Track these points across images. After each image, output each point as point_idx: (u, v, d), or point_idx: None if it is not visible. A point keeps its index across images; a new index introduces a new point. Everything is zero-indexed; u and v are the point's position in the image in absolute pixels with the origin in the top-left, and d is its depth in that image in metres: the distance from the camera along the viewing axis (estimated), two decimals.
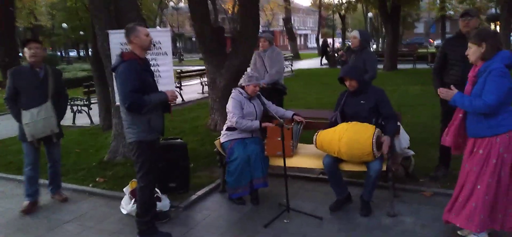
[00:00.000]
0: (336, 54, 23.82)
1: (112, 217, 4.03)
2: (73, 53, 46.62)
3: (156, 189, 3.91)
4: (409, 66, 19.44)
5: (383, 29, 22.95)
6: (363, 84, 3.92)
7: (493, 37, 2.96)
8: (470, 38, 3.04)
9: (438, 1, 29.62)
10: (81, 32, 34.02)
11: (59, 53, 43.24)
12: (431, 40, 33.56)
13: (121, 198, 4.10)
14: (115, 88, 3.81)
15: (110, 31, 5.17)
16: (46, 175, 4.60)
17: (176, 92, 3.86)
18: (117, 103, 4.73)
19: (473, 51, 3.02)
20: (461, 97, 3.02)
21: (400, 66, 18.64)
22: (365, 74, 4.84)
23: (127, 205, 3.95)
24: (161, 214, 3.87)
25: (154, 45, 5.26)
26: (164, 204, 3.95)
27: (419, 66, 19.23)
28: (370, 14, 35.25)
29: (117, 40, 4.99)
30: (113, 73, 3.53)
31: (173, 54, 42.21)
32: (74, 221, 4.01)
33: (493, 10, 28.50)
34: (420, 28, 47.44)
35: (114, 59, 3.77)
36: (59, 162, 4.52)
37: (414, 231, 3.45)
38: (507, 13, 16.91)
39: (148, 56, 5.36)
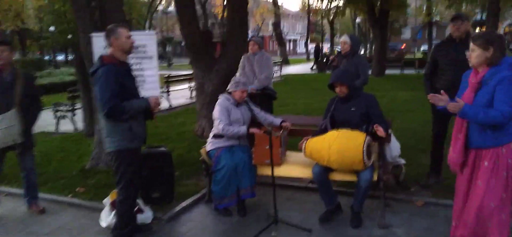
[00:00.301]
0: (327, 60, 23.86)
1: (91, 230, 3.84)
2: (61, 57, 45.93)
3: (138, 200, 3.73)
4: (397, 72, 19.50)
5: (371, 34, 23.04)
6: (354, 90, 3.81)
7: (500, 41, 2.72)
8: (474, 40, 2.74)
9: (424, 7, 29.87)
10: (69, 36, 33.47)
11: (47, 57, 42.53)
12: (402, 46, 33.60)
13: (101, 209, 3.90)
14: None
15: (93, 34, 4.98)
16: (21, 184, 4.38)
17: (159, 99, 3.69)
18: None
19: (477, 55, 2.73)
20: (472, 110, 2.67)
21: (388, 71, 18.68)
22: (357, 79, 4.76)
23: (106, 217, 3.75)
24: (143, 227, 3.69)
25: (136, 48, 5.12)
26: (146, 216, 3.77)
27: (406, 72, 19.32)
28: (358, 20, 35.44)
29: (101, 44, 4.77)
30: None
31: (162, 58, 41.98)
32: (51, 234, 3.80)
33: (478, 17, 28.88)
34: (406, 34, 47.85)
35: None
36: (32, 171, 4.26)
37: None
38: (493, 18, 17.07)
39: (133, 60, 5.20)
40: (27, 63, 26.77)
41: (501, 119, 2.61)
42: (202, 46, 6.81)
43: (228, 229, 3.75)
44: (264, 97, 5.72)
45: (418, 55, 24.20)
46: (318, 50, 26.13)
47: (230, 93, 4.12)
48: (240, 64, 6.02)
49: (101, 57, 3.27)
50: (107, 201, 3.89)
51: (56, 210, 4.34)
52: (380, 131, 3.49)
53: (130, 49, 3.35)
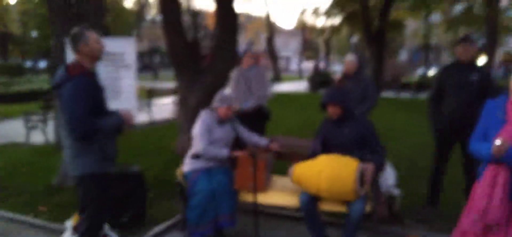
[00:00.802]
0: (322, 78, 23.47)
1: None
2: (44, 63, 44.93)
3: (104, 225, 3.31)
4: (393, 94, 18.95)
5: (367, 54, 22.91)
6: (348, 111, 3.49)
7: None
8: None
9: (422, 30, 30.06)
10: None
11: (28, 63, 41.50)
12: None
13: (63, 232, 3.47)
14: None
15: (68, 39, 4.59)
16: None
17: (134, 111, 3.29)
18: None
19: None
20: None
21: (383, 94, 18.18)
22: (364, 102, 4.46)
23: None
24: None
25: (113, 55, 4.74)
26: None
27: (403, 95, 18.66)
28: (354, 39, 35.47)
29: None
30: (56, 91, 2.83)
31: (149, 68, 41.21)
32: None
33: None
34: (403, 56, 48.15)
35: None
36: None
37: None
38: (491, 44, 17.23)
39: (109, 68, 4.83)
40: (6, 69, 25.91)
41: None
42: (187, 57, 6.43)
43: None
44: (258, 117, 5.32)
45: (415, 79, 23.76)
46: (317, 69, 25.76)
47: (215, 109, 3.76)
48: (234, 79, 5.46)
49: (67, 68, 2.79)
50: (69, 224, 3.47)
51: (14, 229, 3.91)
52: (368, 172, 3.18)
53: (99, 56, 2.92)
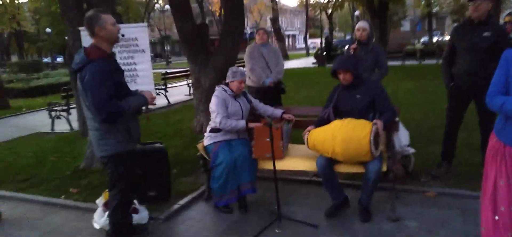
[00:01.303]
0: (328, 52, 23.40)
1: (84, 232, 3.63)
2: (60, 59, 45.60)
3: (133, 200, 3.50)
4: (398, 63, 19.22)
5: (373, 33, 22.74)
6: (359, 77, 3.57)
7: None
8: None
9: None
10: (66, 37, 33.20)
11: (45, 60, 42.22)
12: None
13: (95, 211, 3.68)
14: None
15: (82, 28, 4.75)
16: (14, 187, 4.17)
17: (153, 93, 3.43)
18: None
19: None
20: None
21: (389, 63, 18.34)
22: (376, 70, 4.46)
23: (99, 219, 3.53)
24: (139, 227, 3.47)
25: (127, 41, 4.87)
26: (141, 216, 3.55)
27: (408, 62, 19.06)
28: (357, 13, 35.07)
29: (90, 39, 4.57)
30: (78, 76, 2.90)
31: (161, 57, 41.53)
32: None
33: None
34: (406, 27, 47.51)
35: None
36: None
37: None
38: (494, 7, 16.85)
39: (124, 54, 4.99)
40: (24, 66, 26.52)
41: None
42: (197, 40, 6.57)
43: (229, 227, 3.53)
44: (276, 91, 5.45)
45: (419, 46, 24.08)
46: (328, 42, 25.45)
47: (227, 84, 3.89)
48: (249, 54, 5.47)
49: (86, 51, 2.83)
50: (100, 202, 3.67)
51: (48, 212, 4.13)
52: (379, 126, 3.26)
53: (117, 39, 2.97)
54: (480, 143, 4.07)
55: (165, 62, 36.75)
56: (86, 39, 4.56)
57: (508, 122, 2.26)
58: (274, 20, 32.63)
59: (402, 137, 3.89)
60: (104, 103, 2.73)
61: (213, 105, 3.81)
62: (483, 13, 3.66)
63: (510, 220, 2.26)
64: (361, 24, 4.55)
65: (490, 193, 2.34)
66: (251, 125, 3.74)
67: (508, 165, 2.26)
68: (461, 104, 4.01)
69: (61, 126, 8.48)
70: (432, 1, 29.99)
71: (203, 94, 6.60)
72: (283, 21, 55.86)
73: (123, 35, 4.03)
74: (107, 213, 3.45)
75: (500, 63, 2.29)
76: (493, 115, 3.76)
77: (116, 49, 4.85)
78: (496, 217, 2.32)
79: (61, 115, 8.53)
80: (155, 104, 3.28)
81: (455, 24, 4.21)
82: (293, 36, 71.85)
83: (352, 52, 4.44)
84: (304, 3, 38.10)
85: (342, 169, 3.48)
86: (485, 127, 3.84)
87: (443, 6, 32.59)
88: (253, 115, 4.01)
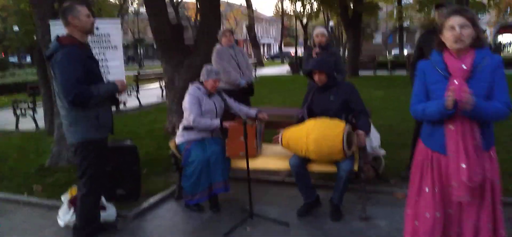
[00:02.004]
0: (300, 62, 23.85)
1: (48, 229, 3.48)
2: (27, 59, 44.02)
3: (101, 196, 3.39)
4: (370, 73, 19.74)
5: (343, 38, 23.27)
6: (333, 78, 3.61)
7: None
8: (463, 13, 2.14)
9: (395, 12, 30.47)
10: (35, 37, 32.11)
11: (12, 59, 40.64)
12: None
13: (59, 208, 3.54)
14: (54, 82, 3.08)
15: (51, 21, 4.61)
16: None
17: (125, 82, 3.38)
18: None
19: (469, 34, 2.12)
20: (482, 103, 2.10)
21: (361, 73, 18.84)
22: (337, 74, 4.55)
23: (64, 216, 3.40)
24: (107, 225, 3.36)
25: (100, 37, 4.76)
26: (109, 213, 3.44)
27: (379, 73, 19.57)
28: (331, 23, 35.77)
29: (60, 31, 4.42)
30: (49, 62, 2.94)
31: (134, 60, 40.77)
32: (4, 235, 3.42)
33: None
34: (378, 39, 48.99)
35: None
36: None
37: (389, 235, 3.14)
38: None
39: (96, 50, 4.86)
40: None
41: (506, 111, 2.13)
42: (172, 39, 6.49)
43: (200, 225, 3.47)
44: (245, 93, 5.43)
45: (390, 58, 24.94)
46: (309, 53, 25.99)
47: (201, 83, 3.85)
48: (219, 57, 5.21)
49: (59, 39, 2.89)
50: (65, 198, 3.54)
51: (9, 209, 3.95)
52: (362, 138, 3.33)
53: (90, 29, 3.01)
54: None
55: (138, 66, 36.15)
56: (57, 33, 4.43)
57: (435, 128, 2.27)
58: (250, 28, 32.81)
59: (373, 138, 3.96)
60: (72, 85, 2.75)
61: (186, 103, 3.75)
62: None
63: (432, 228, 2.26)
64: (320, 29, 4.71)
65: (413, 198, 2.36)
66: (226, 123, 3.71)
67: (435, 171, 2.27)
68: None
69: (27, 125, 8.16)
70: (404, 15, 30.96)
71: (176, 94, 6.50)
72: (259, 29, 56.22)
73: (97, 28, 3.97)
74: (72, 209, 3.34)
75: (417, 75, 2.34)
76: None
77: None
78: (416, 223, 2.35)
79: (27, 113, 8.21)
80: (125, 88, 3.24)
81: (423, 31, 4.36)
82: (269, 45, 72.38)
83: (315, 56, 4.57)
84: (280, 12, 38.57)
85: (315, 168, 3.49)
86: None
87: (414, 21, 33.69)
88: (228, 114, 3.97)
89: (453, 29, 2.13)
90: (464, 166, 2.11)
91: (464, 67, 2.13)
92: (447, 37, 2.17)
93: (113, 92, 3.03)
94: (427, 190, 2.29)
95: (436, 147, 2.27)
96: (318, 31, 4.73)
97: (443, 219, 2.26)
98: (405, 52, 32.20)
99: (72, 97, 2.76)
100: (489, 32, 39.72)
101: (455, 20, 2.13)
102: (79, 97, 2.78)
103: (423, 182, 2.33)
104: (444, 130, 2.20)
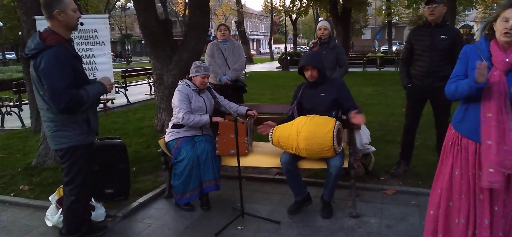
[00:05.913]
0: (288, 59, 23.90)
1: (35, 230, 3.41)
2: (12, 56, 43.18)
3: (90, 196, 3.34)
4: (360, 69, 19.88)
5: (334, 34, 23.31)
6: (324, 75, 3.61)
7: None
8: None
9: (384, 7, 30.66)
10: (20, 33, 31.52)
11: None
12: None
13: (47, 208, 3.48)
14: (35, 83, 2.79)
15: (37, 17, 4.52)
16: None
17: (112, 79, 3.30)
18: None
19: None
20: None
21: (350, 69, 18.94)
22: (338, 68, 4.52)
23: (53, 216, 3.34)
24: (96, 225, 3.30)
25: (86, 33, 4.68)
26: (98, 213, 3.40)
27: (368, 69, 19.71)
28: (320, 19, 35.88)
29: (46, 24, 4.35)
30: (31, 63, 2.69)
31: (121, 56, 40.38)
32: None
33: None
34: (367, 35, 49.32)
35: None
36: None
37: (379, 232, 3.16)
38: (450, 18, 17.76)
39: (83, 46, 4.79)
40: None
41: None
42: (161, 34, 6.42)
43: (191, 224, 3.44)
44: (235, 90, 5.36)
45: (379, 54, 25.08)
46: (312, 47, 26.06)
47: (190, 79, 3.81)
48: (208, 52, 5.35)
49: (42, 36, 2.65)
50: (53, 198, 3.47)
51: None
52: (358, 118, 3.29)
53: (76, 25, 2.81)
54: (435, 142, 4.23)
55: (125, 62, 35.76)
56: (42, 28, 4.35)
57: (467, 114, 2.35)
58: (239, 23, 32.68)
59: (363, 134, 3.97)
60: (62, 92, 2.58)
61: (175, 100, 3.71)
62: (439, 16, 3.83)
63: (459, 209, 2.37)
64: (323, 23, 4.61)
65: (446, 181, 2.43)
66: (216, 119, 3.68)
67: (463, 157, 2.36)
68: (419, 105, 4.14)
69: (12, 123, 8.02)
70: (392, 11, 31.16)
71: (165, 91, 6.45)
72: (248, 25, 56.05)
73: (82, 24, 3.86)
74: (61, 210, 3.28)
75: (460, 57, 2.41)
76: (447, 115, 3.93)
77: (74, 40, 4.65)
78: (451, 203, 2.43)
79: (12, 111, 8.06)
80: (113, 90, 3.15)
81: (412, 27, 4.37)
82: (258, 40, 72.29)
83: (312, 47, 4.49)
84: (270, 8, 38.50)
85: (305, 165, 3.49)
86: (440, 127, 4.00)
87: (402, 17, 33.94)
88: (218, 111, 3.94)
89: (507, 21, 2.16)
90: (499, 152, 2.16)
91: (507, 60, 2.17)
92: (499, 28, 2.21)
93: (102, 94, 2.92)
94: (456, 173, 2.38)
95: (466, 132, 2.34)
96: (321, 25, 4.63)
97: (467, 204, 2.34)
98: (394, 48, 32.44)
99: (63, 105, 2.60)
100: (476, 28, 40.18)
101: (511, 13, 2.15)
102: (71, 104, 2.63)
103: (454, 166, 2.40)
104: (482, 117, 2.24)
